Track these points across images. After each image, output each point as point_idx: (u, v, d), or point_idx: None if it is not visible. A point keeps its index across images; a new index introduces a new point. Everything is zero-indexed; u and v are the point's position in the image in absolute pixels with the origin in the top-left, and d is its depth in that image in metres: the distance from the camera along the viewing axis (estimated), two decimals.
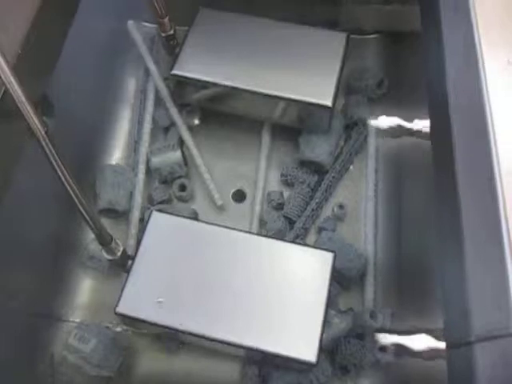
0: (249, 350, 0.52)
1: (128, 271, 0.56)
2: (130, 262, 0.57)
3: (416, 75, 0.69)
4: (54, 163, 0.44)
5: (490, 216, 0.37)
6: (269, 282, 0.55)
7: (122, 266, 0.57)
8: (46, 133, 0.42)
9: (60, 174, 0.44)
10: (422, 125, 0.68)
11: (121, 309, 0.53)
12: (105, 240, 0.52)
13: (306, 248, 0.57)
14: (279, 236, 0.64)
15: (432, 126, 0.52)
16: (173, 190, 0.68)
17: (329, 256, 0.56)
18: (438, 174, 0.50)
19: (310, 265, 0.56)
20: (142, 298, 0.54)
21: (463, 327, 0.38)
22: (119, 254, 0.55)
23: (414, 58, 0.70)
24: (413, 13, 0.73)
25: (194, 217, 0.66)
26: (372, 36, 0.77)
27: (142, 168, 0.68)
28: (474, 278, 0.39)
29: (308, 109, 0.64)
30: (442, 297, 0.46)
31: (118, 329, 0.61)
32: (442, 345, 0.51)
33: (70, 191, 0.46)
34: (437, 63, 0.50)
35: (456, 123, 0.45)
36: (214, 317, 0.53)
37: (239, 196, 0.69)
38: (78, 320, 0.62)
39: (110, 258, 0.54)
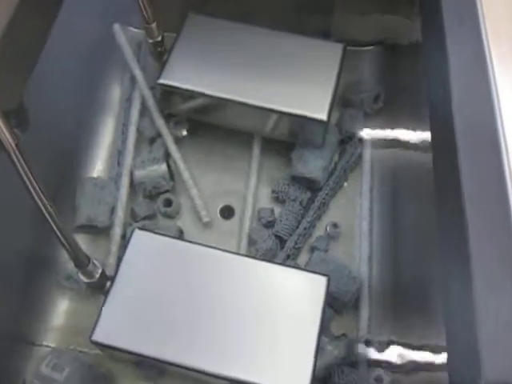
0: (235, 382, 0.48)
1: (106, 294, 0.52)
2: (108, 283, 0.53)
3: (414, 88, 0.66)
4: (25, 178, 0.40)
5: (503, 240, 0.34)
6: (258, 308, 0.51)
7: (101, 288, 0.53)
8: (16, 145, 0.38)
9: (31, 190, 0.40)
10: (420, 140, 0.66)
11: (97, 337, 0.49)
12: (81, 262, 0.48)
13: (297, 271, 0.54)
14: (269, 255, 0.61)
15: (434, 143, 0.49)
16: (157, 205, 0.64)
17: (322, 280, 0.53)
18: (440, 194, 0.47)
19: (302, 289, 0.53)
20: (119, 324, 0.50)
21: (470, 368, 0.35)
22: (97, 276, 0.51)
23: (411, 70, 0.68)
24: (410, 25, 0.71)
25: (180, 234, 0.62)
26: (368, 48, 0.74)
27: (125, 181, 0.64)
28: (485, 310, 0.36)
29: (301, 122, 0.61)
30: (445, 330, 0.43)
31: (96, 354, 0.57)
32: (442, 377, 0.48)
33: (43, 209, 0.42)
34: (440, 77, 0.47)
35: (462, 140, 0.42)
36: (198, 345, 0.49)
37: (227, 212, 0.65)
38: (52, 345, 0.58)
39: (87, 280, 0.51)
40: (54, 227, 0.44)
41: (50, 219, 0.43)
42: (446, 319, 0.42)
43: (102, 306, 0.51)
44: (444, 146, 0.45)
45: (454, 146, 0.42)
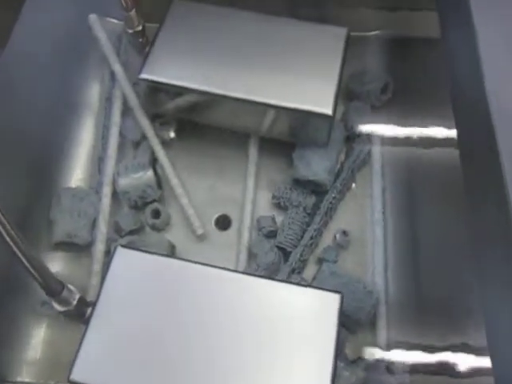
0: None
1: (87, 323, 0.45)
2: (89, 310, 0.46)
3: (427, 76, 0.61)
4: None
5: None
6: (264, 334, 0.44)
7: (80, 316, 0.46)
8: None
9: None
10: (437, 134, 0.60)
11: (76, 375, 0.42)
12: (53, 290, 0.41)
13: (306, 289, 0.47)
14: (272, 270, 0.54)
15: (462, 137, 0.43)
16: (145, 216, 0.58)
17: (335, 298, 0.46)
18: (473, 195, 0.41)
19: (312, 310, 0.46)
20: (102, 360, 0.43)
21: None
22: (74, 302, 0.44)
23: (423, 55, 0.62)
24: (414, 18, 0.65)
25: (170, 249, 0.56)
26: (373, 32, 0.68)
27: (107, 191, 0.58)
28: None
29: (304, 118, 0.55)
30: (489, 346, 0.36)
31: None
32: None
33: (3, 232, 0.35)
34: (466, 60, 0.41)
35: (502, 131, 0.35)
36: (193, 382, 0.42)
37: (223, 223, 0.59)
38: (27, 380, 0.51)
39: (62, 309, 0.44)
40: (18, 253, 0.36)
41: (12, 244, 0.36)
42: (491, 345, 0.36)
43: (82, 338, 0.44)
44: (476, 139, 0.39)
45: (492, 139, 0.35)
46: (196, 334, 0.44)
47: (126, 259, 0.48)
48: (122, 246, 0.48)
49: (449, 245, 0.53)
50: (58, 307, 0.43)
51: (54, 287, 0.41)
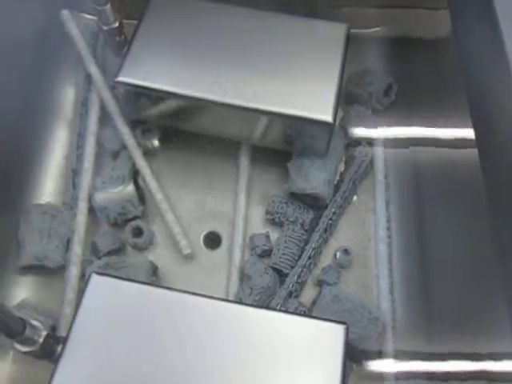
0: None
1: (56, 363, 0.40)
2: (59, 348, 0.41)
3: (434, 74, 0.58)
4: None
5: None
6: (259, 374, 0.39)
7: (49, 355, 0.41)
8: None
9: None
10: (445, 139, 0.56)
11: None
12: (14, 330, 0.36)
13: (307, 320, 0.42)
14: (267, 294, 0.50)
15: (482, 143, 0.38)
16: (125, 235, 0.53)
17: (339, 330, 0.41)
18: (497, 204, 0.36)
19: (314, 344, 0.41)
20: None
21: None
22: (41, 341, 0.39)
23: (428, 51, 0.59)
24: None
25: (153, 271, 0.51)
26: (374, 29, 0.64)
27: (82, 207, 0.54)
28: None
29: (300, 126, 0.51)
30: None
31: None
32: None
33: None
34: (492, 63, 0.36)
35: None
36: None
37: (213, 241, 0.55)
38: None
39: (25, 350, 0.38)
40: None
41: None
42: None
43: (50, 381, 0.39)
44: (500, 140, 0.35)
45: None
46: (181, 375, 0.39)
47: (101, 288, 0.43)
48: (98, 273, 0.43)
49: (463, 263, 0.49)
50: (21, 348, 0.38)
51: (13, 327, 0.36)
